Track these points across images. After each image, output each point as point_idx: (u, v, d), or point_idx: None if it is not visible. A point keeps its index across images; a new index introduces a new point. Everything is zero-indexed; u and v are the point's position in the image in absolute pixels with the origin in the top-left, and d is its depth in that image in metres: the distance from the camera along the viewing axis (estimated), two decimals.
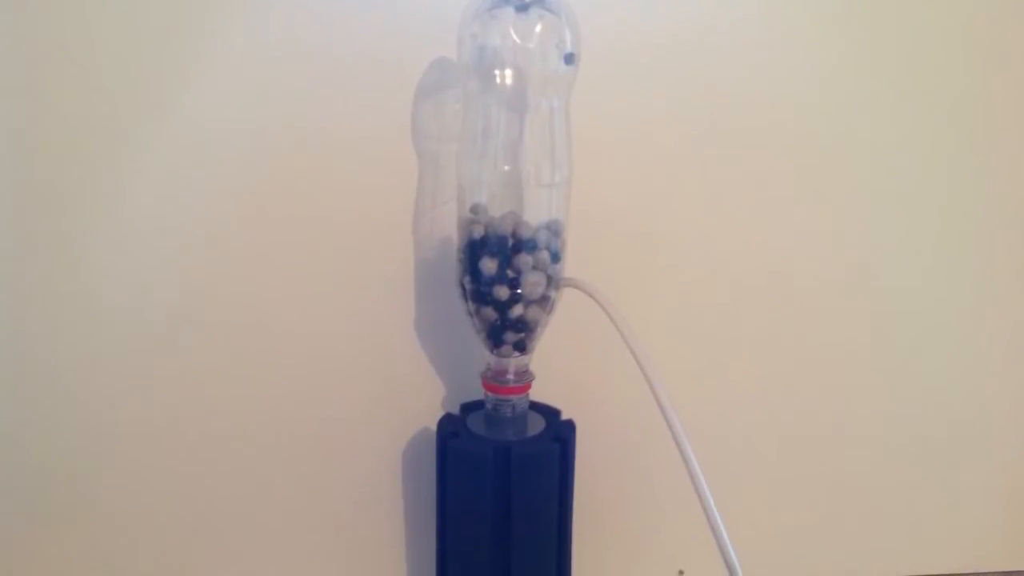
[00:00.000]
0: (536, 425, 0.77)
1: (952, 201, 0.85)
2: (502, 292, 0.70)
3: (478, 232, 0.70)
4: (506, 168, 0.71)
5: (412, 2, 0.77)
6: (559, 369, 0.82)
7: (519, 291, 0.70)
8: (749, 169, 0.82)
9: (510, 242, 0.69)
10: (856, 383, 0.89)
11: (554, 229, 0.71)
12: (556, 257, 0.71)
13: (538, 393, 0.78)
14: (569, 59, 0.69)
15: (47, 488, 0.85)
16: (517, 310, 0.71)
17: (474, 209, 0.71)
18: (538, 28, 0.69)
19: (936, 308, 0.87)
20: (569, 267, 0.73)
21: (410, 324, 0.83)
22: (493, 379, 0.75)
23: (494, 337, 0.73)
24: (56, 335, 0.80)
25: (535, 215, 0.71)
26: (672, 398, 0.61)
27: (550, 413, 0.79)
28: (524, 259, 0.69)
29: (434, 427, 0.79)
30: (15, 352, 0.81)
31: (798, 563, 0.94)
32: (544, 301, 0.72)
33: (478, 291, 0.71)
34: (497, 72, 0.69)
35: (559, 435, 0.75)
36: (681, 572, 0.93)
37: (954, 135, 0.84)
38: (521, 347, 0.74)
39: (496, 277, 0.70)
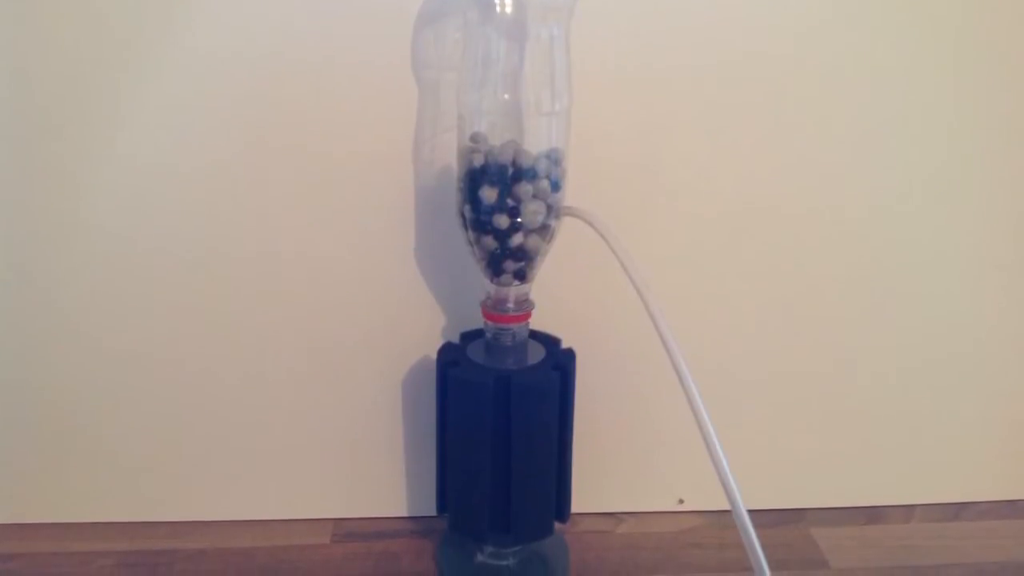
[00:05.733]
0: (536, 354, 0.77)
1: (956, 130, 0.84)
2: (502, 221, 0.70)
3: (478, 161, 0.70)
4: (506, 97, 0.70)
5: None
6: (559, 298, 0.82)
7: (519, 220, 0.70)
8: (750, 97, 0.82)
9: (510, 171, 0.69)
10: (856, 312, 0.89)
11: (554, 158, 0.71)
12: (556, 186, 0.71)
13: (538, 322, 0.78)
14: None
15: (48, 417, 0.86)
16: (517, 239, 0.71)
17: (474, 138, 0.71)
18: None
19: (936, 238, 0.87)
20: (569, 196, 0.73)
21: (410, 253, 0.83)
22: (493, 308, 0.75)
23: (494, 266, 0.73)
24: (56, 264, 0.81)
25: (535, 144, 0.70)
26: (672, 327, 0.61)
27: (550, 342, 0.79)
28: (524, 188, 0.69)
29: (434, 356, 0.79)
30: (14, 282, 0.81)
31: (797, 492, 0.94)
32: (544, 230, 0.71)
33: (478, 220, 0.71)
34: (497, 1, 0.69)
35: (559, 364, 0.75)
36: (681, 500, 0.94)
37: (958, 62, 0.83)
38: (521, 276, 0.74)
39: (496, 206, 0.70)
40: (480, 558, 0.82)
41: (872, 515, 0.94)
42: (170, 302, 0.83)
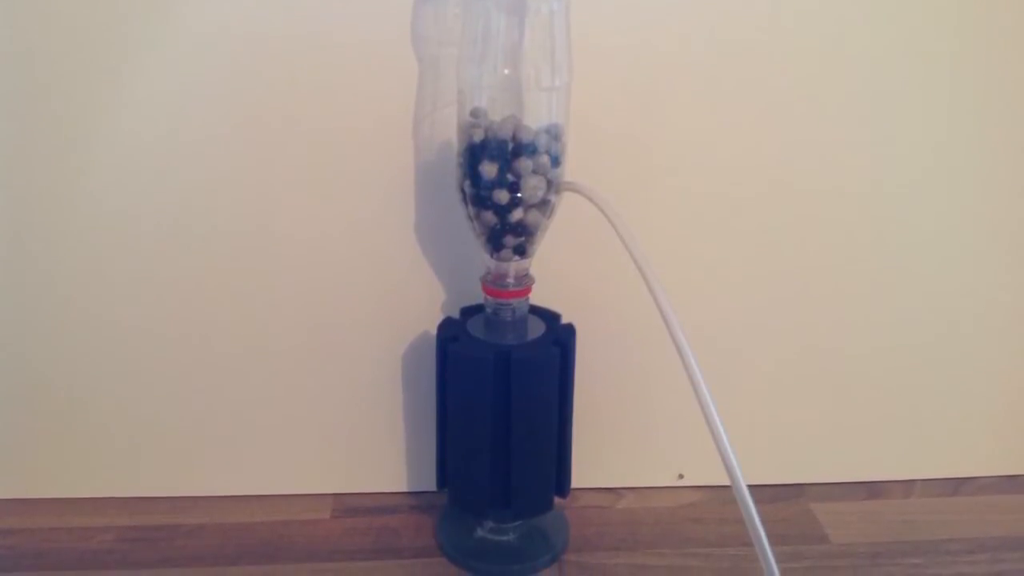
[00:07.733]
0: (536, 329, 0.77)
1: (953, 107, 0.84)
2: (502, 196, 0.69)
3: (478, 136, 0.69)
4: (506, 72, 0.70)
5: None
6: (559, 273, 0.82)
7: (519, 195, 0.70)
8: (751, 73, 0.81)
9: (510, 146, 0.69)
10: (856, 287, 0.89)
11: (554, 133, 0.70)
12: (556, 161, 0.71)
13: (538, 297, 0.78)
14: None
15: (47, 393, 0.85)
16: (517, 214, 0.70)
17: (474, 113, 0.70)
18: None
19: (936, 213, 0.87)
20: (569, 171, 0.73)
21: (410, 228, 0.83)
22: (493, 283, 0.75)
23: (494, 241, 0.73)
24: (56, 241, 0.80)
25: (535, 119, 0.70)
26: (672, 302, 0.61)
27: (550, 317, 0.79)
28: (524, 163, 0.69)
29: (434, 331, 0.79)
30: (15, 258, 0.81)
31: (797, 466, 0.94)
32: (544, 205, 0.71)
33: (478, 195, 0.71)
34: None
35: (559, 339, 0.75)
36: (681, 476, 0.94)
37: (957, 41, 0.82)
38: (521, 251, 0.73)
39: (496, 181, 0.69)
40: (480, 533, 0.83)
41: (872, 490, 0.94)
42: (169, 278, 0.82)
